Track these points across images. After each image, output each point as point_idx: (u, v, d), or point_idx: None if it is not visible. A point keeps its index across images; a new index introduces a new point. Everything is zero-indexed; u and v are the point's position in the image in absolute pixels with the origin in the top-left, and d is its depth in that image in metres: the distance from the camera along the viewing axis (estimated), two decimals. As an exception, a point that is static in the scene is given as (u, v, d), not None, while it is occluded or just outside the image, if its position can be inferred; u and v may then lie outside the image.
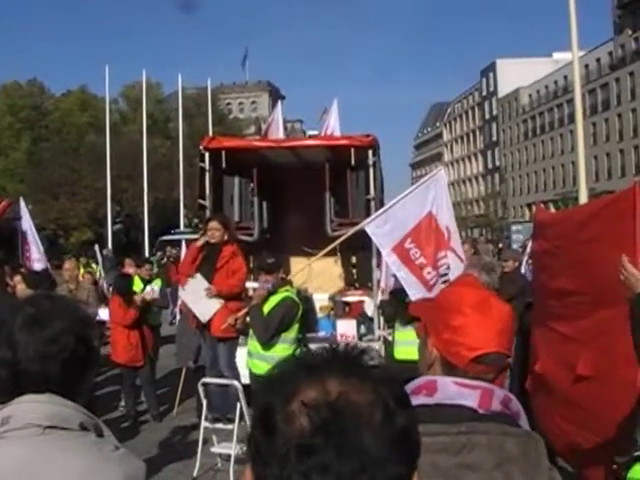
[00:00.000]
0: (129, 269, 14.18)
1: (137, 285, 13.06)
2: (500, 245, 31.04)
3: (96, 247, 22.49)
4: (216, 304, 9.21)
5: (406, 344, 7.64)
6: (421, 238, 8.42)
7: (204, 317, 9.29)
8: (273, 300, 8.63)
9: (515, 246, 14.59)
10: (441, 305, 2.16)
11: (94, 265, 22.94)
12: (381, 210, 8.87)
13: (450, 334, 2.06)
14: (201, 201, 11.28)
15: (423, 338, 2.18)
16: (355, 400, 1.17)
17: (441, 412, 1.90)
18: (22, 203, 15.77)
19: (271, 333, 8.44)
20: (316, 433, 1.13)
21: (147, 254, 33.39)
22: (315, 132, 15.95)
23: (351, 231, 9.09)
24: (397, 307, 8.21)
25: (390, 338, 8.86)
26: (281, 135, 15.28)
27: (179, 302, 12.27)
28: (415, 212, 8.52)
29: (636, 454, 3.97)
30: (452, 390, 1.96)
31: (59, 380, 2.16)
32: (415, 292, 8.10)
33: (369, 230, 8.45)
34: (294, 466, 1.12)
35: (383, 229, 8.40)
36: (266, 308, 8.62)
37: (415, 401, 1.85)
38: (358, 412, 1.15)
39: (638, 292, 4.34)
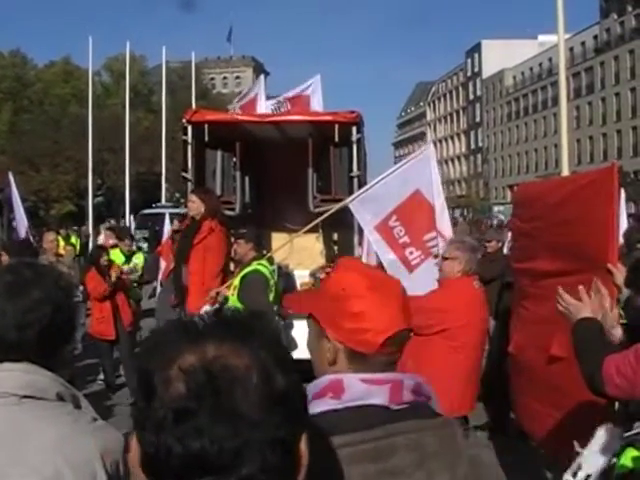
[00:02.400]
0: (109, 240, 14.14)
1: (118, 258, 13.02)
2: (482, 226, 30.92)
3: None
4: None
5: None
6: (407, 216, 8.35)
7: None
8: (242, 273, 8.61)
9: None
10: (334, 294, 2.00)
11: (74, 238, 22.88)
12: (366, 186, 8.83)
13: (353, 322, 1.92)
14: (184, 174, 11.24)
15: (317, 335, 2.01)
16: (232, 363, 1.17)
17: (352, 417, 1.81)
18: (10, 176, 15.81)
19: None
20: (191, 397, 1.14)
21: (130, 227, 33.31)
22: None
23: (335, 207, 9.05)
24: None
25: None
26: (264, 110, 15.20)
27: (159, 275, 12.23)
28: (401, 189, 8.45)
29: (626, 435, 3.96)
30: (360, 389, 1.84)
31: (36, 349, 2.15)
32: (395, 272, 8.08)
33: (353, 207, 8.41)
34: (169, 430, 1.14)
35: (367, 206, 8.35)
36: (235, 281, 8.62)
37: (322, 406, 1.84)
38: (234, 376, 1.16)
39: (576, 321, 4.37)
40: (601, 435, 4.17)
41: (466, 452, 1.90)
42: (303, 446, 1.24)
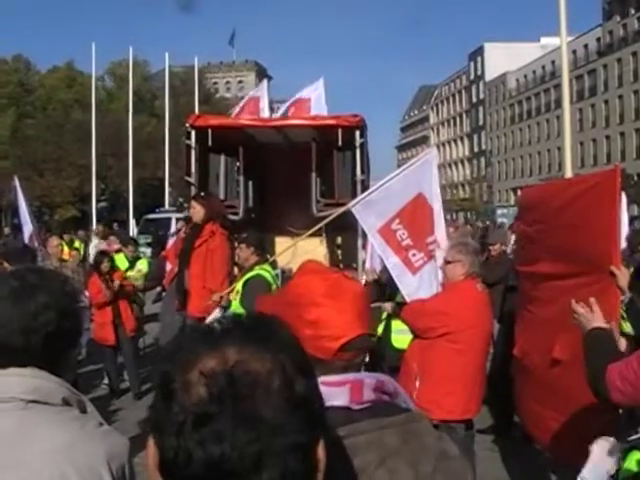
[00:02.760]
0: (113, 246, 14.14)
1: (122, 263, 13.04)
2: (482, 226, 30.79)
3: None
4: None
5: (403, 333, 7.58)
6: (409, 219, 8.33)
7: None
8: (244, 278, 8.62)
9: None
10: (291, 300, 2.03)
11: (78, 243, 22.87)
12: (369, 190, 8.82)
13: (309, 329, 1.92)
14: (188, 178, 11.24)
15: None
16: (253, 368, 1.17)
17: None
18: (16, 180, 15.84)
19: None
20: (212, 401, 1.14)
21: (131, 232, 33.30)
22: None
23: (338, 211, 9.03)
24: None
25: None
26: (267, 114, 15.19)
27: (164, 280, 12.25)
28: (405, 192, 8.43)
29: (630, 439, 3.95)
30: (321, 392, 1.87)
31: (42, 354, 2.15)
32: (399, 274, 8.08)
33: (355, 211, 8.40)
34: (190, 434, 1.13)
35: (370, 210, 8.34)
36: (238, 286, 8.62)
37: None
38: (255, 380, 1.16)
39: (587, 331, 4.40)
40: (597, 450, 4.16)
41: (433, 447, 1.89)
42: (321, 451, 1.24)
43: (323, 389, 1.82)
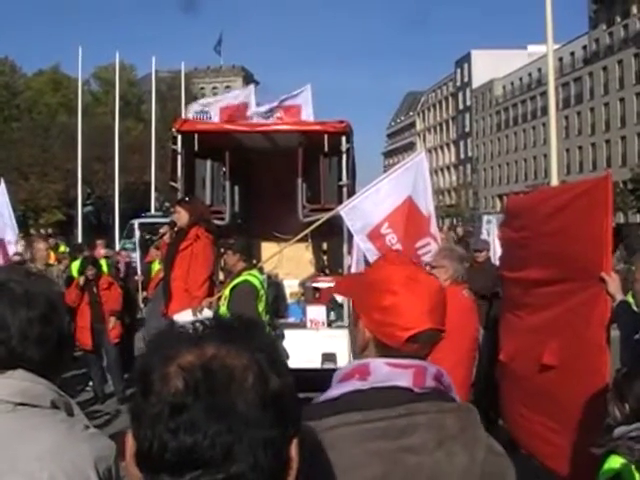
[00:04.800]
0: (100, 250, 14.13)
1: (109, 269, 13.04)
2: (466, 237, 30.70)
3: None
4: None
5: None
6: (398, 223, 8.34)
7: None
8: (232, 283, 8.62)
9: (486, 237, 14.71)
10: (370, 285, 2.08)
11: (63, 247, 22.77)
12: (358, 194, 8.83)
13: (382, 315, 1.99)
14: (173, 184, 11.23)
15: (354, 319, 2.12)
16: (229, 363, 1.21)
17: (377, 396, 1.87)
18: (2, 182, 15.63)
19: None
20: (188, 392, 1.18)
21: (117, 237, 33.24)
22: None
23: (326, 216, 9.05)
24: None
25: None
26: (254, 119, 15.19)
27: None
28: (393, 196, 8.44)
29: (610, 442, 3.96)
30: (385, 372, 1.92)
31: (30, 357, 2.15)
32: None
33: (344, 215, 8.40)
34: (165, 424, 1.17)
35: (359, 214, 8.34)
36: (226, 291, 8.63)
37: (349, 387, 1.92)
38: (230, 374, 1.20)
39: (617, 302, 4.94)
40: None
41: (484, 438, 1.96)
42: (294, 450, 1.26)
43: (387, 369, 1.93)
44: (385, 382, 1.90)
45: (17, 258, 12.38)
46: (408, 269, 2.11)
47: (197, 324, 1.29)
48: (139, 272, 14.03)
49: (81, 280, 11.65)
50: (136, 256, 16.02)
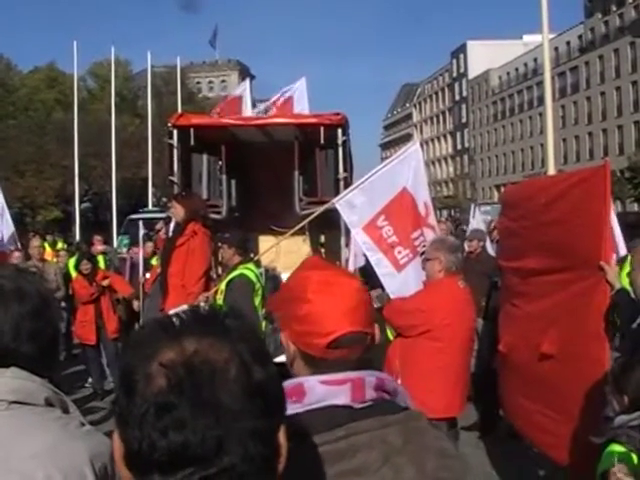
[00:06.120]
0: (98, 246, 14.12)
1: (105, 264, 13.04)
2: (461, 225, 30.64)
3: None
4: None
5: None
6: (395, 215, 8.31)
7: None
8: (228, 277, 8.61)
9: (483, 227, 14.62)
10: (287, 295, 2.03)
11: (60, 244, 22.76)
12: (353, 186, 8.80)
13: (300, 325, 1.92)
14: (171, 178, 11.21)
15: (282, 334, 2.02)
16: (210, 357, 1.21)
17: (315, 419, 1.79)
18: None
19: None
20: (172, 391, 1.18)
21: (115, 233, 33.19)
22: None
23: (322, 208, 9.02)
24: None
25: None
26: (250, 113, 15.17)
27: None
28: (389, 188, 8.41)
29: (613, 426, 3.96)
30: (321, 391, 1.84)
31: (24, 355, 2.14)
32: (384, 272, 8.08)
33: (340, 207, 8.38)
34: (152, 424, 1.17)
35: (355, 207, 8.32)
36: (222, 285, 8.62)
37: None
38: (213, 369, 1.20)
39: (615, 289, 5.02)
40: None
41: (433, 445, 1.88)
42: (282, 437, 1.27)
43: (323, 388, 1.83)
44: (322, 402, 1.83)
45: (18, 254, 12.37)
46: (322, 273, 2.04)
47: (174, 318, 1.29)
48: (141, 271, 13.95)
49: (84, 269, 11.61)
50: (132, 253, 15.93)
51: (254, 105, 16.55)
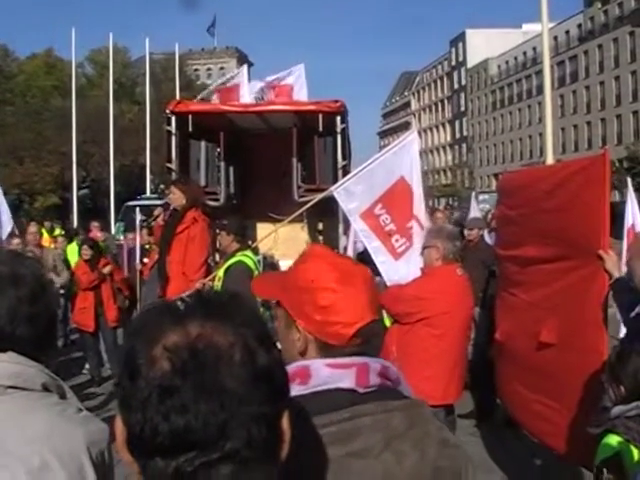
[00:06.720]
0: (96, 233, 14.11)
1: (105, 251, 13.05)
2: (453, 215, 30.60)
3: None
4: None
5: None
6: (392, 204, 8.30)
7: None
8: (226, 264, 8.60)
9: (479, 215, 14.59)
10: (303, 285, 1.98)
11: (58, 230, 22.74)
12: (351, 174, 8.79)
13: (322, 315, 1.91)
14: (168, 165, 11.20)
15: (285, 323, 2.00)
16: (215, 341, 1.20)
17: (319, 401, 1.80)
18: None
19: None
20: (176, 374, 1.17)
21: (113, 220, 33.18)
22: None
23: (319, 196, 9.02)
24: None
25: None
26: (247, 99, 15.14)
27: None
28: (387, 176, 8.40)
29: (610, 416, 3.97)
30: (326, 374, 1.85)
31: (21, 340, 2.13)
32: (382, 260, 8.08)
33: (337, 195, 8.37)
34: (155, 408, 1.16)
35: (352, 194, 8.31)
36: (220, 272, 8.63)
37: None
38: (217, 352, 1.19)
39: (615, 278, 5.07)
40: None
41: (436, 434, 1.89)
42: (285, 422, 1.27)
43: (328, 371, 1.84)
44: (327, 385, 1.84)
45: (17, 241, 12.38)
46: (341, 263, 2.05)
47: (178, 302, 1.28)
48: (137, 257, 13.92)
49: (84, 254, 11.61)
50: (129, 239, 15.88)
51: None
